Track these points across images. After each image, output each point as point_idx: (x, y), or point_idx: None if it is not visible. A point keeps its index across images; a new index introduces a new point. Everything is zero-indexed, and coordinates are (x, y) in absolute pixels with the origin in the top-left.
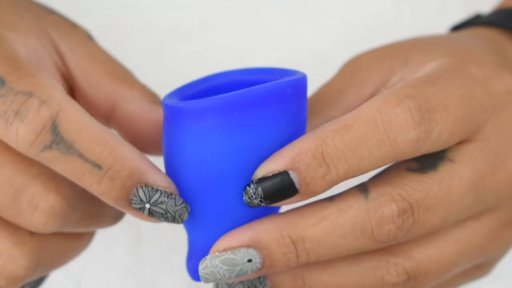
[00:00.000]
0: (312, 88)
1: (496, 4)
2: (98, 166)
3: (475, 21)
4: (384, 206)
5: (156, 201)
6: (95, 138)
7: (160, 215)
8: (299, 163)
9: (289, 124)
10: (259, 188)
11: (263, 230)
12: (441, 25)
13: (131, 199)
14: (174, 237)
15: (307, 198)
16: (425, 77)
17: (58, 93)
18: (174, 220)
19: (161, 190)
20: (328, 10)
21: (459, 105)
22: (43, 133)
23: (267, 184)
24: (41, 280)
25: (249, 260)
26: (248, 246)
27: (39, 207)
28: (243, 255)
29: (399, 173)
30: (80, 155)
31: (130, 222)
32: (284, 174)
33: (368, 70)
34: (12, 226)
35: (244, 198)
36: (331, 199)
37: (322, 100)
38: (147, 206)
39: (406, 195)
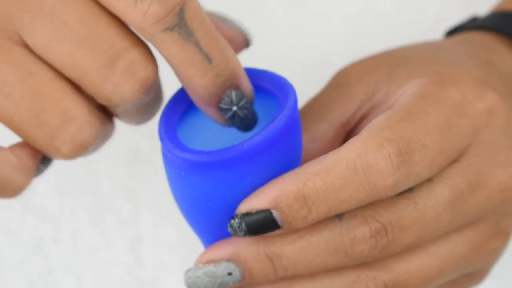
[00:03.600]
0: (311, 88)
1: (493, 5)
2: (209, 59)
3: (471, 24)
4: (357, 227)
5: (242, 105)
6: (211, 33)
7: (240, 119)
8: (281, 204)
9: (296, 149)
10: (243, 223)
11: (242, 246)
12: (441, 25)
13: (223, 99)
14: (174, 237)
15: (290, 232)
16: (404, 113)
17: None
18: (246, 127)
19: (246, 97)
20: (328, 10)
21: (438, 140)
22: (172, 15)
23: (250, 219)
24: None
25: (229, 274)
26: (228, 260)
27: (137, 75)
28: (223, 268)
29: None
30: (197, 44)
31: (130, 221)
32: (267, 211)
33: (353, 85)
34: (88, 95)
35: (229, 230)
36: (325, 214)
37: (308, 115)
38: (234, 108)
39: (379, 216)
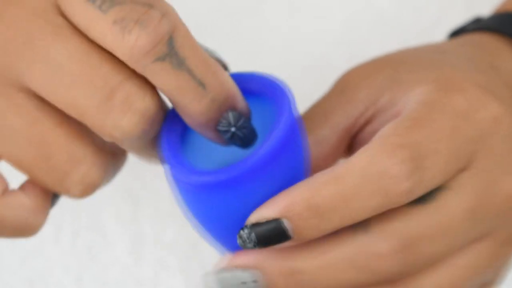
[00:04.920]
0: (311, 89)
1: (496, 5)
2: (203, 85)
3: (474, 26)
4: (383, 242)
5: (240, 125)
6: (203, 58)
7: (239, 139)
8: (291, 213)
9: (302, 151)
10: (252, 234)
11: (267, 257)
12: (442, 25)
13: (220, 122)
14: (174, 237)
15: (300, 244)
16: (412, 120)
17: (173, 9)
18: (246, 145)
19: (243, 116)
20: (328, 10)
21: (448, 145)
22: (161, 45)
23: (260, 229)
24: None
25: (254, 281)
26: (254, 269)
27: (134, 107)
28: (250, 275)
29: (398, 207)
30: (189, 72)
31: (131, 222)
32: (277, 221)
33: (356, 89)
34: (92, 134)
35: (238, 241)
36: (339, 223)
37: (311, 120)
38: (233, 129)
39: (406, 230)
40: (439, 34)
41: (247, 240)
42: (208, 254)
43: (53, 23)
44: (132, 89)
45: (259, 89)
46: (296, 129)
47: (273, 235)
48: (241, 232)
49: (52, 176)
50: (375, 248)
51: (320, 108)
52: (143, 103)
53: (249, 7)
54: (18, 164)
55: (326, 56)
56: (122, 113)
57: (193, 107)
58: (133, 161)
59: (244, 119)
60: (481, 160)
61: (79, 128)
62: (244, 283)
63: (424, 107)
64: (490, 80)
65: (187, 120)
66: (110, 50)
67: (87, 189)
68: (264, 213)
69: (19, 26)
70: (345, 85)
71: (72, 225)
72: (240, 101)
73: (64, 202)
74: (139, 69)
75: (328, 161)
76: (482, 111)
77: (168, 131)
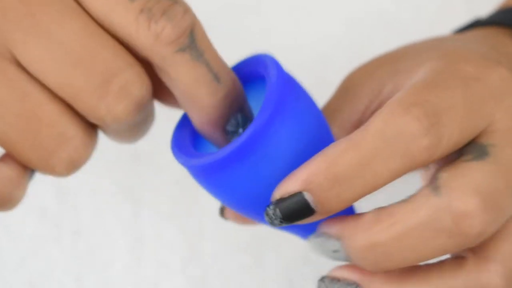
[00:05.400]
0: (314, 88)
1: (496, 5)
2: (218, 79)
3: (474, 25)
4: (462, 200)
5: (247, 126)
6: (217, 54)
7: None
8: (312, 184)
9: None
10: (277, 209)
11: (345, 228)
12: (442, 24)
13: (230, 121)
14: (175, 237)
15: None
16: (423, 82)
17: (191, 7)
18: None
19: (249, 119)
20: (329, 9)
21: (463, 102)
22: (184, 36)
23: (284, 205)
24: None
25: (335, 251)
26: (336, 239)
27: (132, 95)
28: (332, 244)
29: (461, 165)
30: (207, 65)
31: (131, 221)
32: (299, 194)
33: (360, 85)
34: (81, 116)
35: (265, 219)
36: (403, 201)
37: None
38: (240, 130)
39: (482, 185)
40: (439, 33)
41: (273, 217)
42: (209, 254)
43: (63, 1)
44: (131, 76)
45: (252, 74)
46: (291, 94)
47: (297, 209)
48: (267, 209)
49: (38, 153)
50: (455, 207)
51: (327, 109)
52: (140, 91)
53: (249, 8)
54: (3, 139)
55: (327, 57)
56: (119, 99)
57: (208, 100)
58: (134, 161)
59: (249, 123)
60: (502, 118)
61: (68, 106)
62: (335, 251)
63: (433, 72)
64: (494, 54)
65: (198, 117)
66: (127, 38)
67: (72, 168)
68: (286, 187)
69: None
70: (349, 84)
71: (72, 225)
72: (247, 104)
73: (64, 202)
74: (157, 59)
75: None
76: (491, 73)
77: (178, 131)
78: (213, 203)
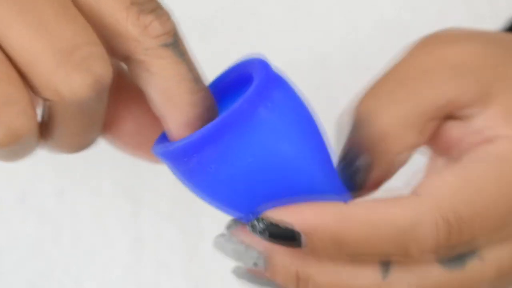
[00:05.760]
0: (313, 89)
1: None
2: (196, 80)
3: None
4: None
5: None
6: (194, 60)
7: None
8: (314, 236)
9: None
10: (266, 232)
11: (279, 250)
12: (442, 25)
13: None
14: (175, 237)
15: (327, 262)
16: (466, 182)
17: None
18: None
19: None
20: (329, 11)
21: (495, 222)
22: (169, 34)
23: (276, 231)
24: None
25: (255, 264)
26: (260, 253)
27: (93, 69)
28: (251, 256)
29: (425, 260)
30: (188, 65)
31: (131, 221)
32: (297, 233)
33: (441, 83)
34: (31, 89)
35: (248, 227)
36: (353, 260)
37: (389, 89)
38: None
39: (423, 286)
40: None
41: (259, 232)
42: (209, 254)
43: None
44: (96, 52)
45: (244, 77)
46: (275, 91)
47: (287, 241)
48: (255, 222)
49: None
50: None
51: (401, 80)
52: (102, 69)
53: (248, 9)
54: None
55: (326, 59)
56: (78, 70)
57: (188, 97)
58: (134, 161)
59: None
60: None
61: (21, 74)
62: (241, 259)
63: (488, 166)
64: None
65: (176, 116)
66: (114, 24)
67: (9, 137)
68: (286, 219)
69: None
70: (430, 65)
71: (72, 225)
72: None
73: (64, 202)
74: (140, 49)
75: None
76: None
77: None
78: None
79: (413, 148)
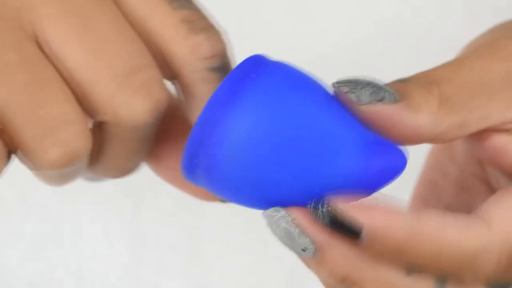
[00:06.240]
0: None
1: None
2: None
3: None
4: None
5: None
6: None
7: None
8: (379, 238)
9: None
10: (327, 218)
11: (335, 249)
12: (442, 25)
13: None
14: (176, 237)
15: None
16: None
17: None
18: None
19: None
20: (328, 11)
21: None
22: (218, 57)
23: (339, 219)
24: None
25: (303, 250)
26: (313, 242)
27: (152, 93)
28: (303, 242)
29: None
30: None
31: (131, 221)
32: (360, 228)
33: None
34: (87, 110)
35: (308, 207)
36: (410, 271)
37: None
38: None
39: None
40: (439, 34)
41: (320, 216)
42: (209, 254)
43: None
44: (155, 75)
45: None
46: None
47: (347, 232)
48: (319, 205)
49: (35, 128)
50: None
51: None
52: (160, 93)
53: (249, 9)
54: (0, 107)
55: (327, 57)
56: (138, 94)
57: None
58: None
59: None
60: None
61: (78, 95)
62: (293, 242)
63: None
64: None
65: None
66: (163, 43)
67: (65, 157)
68: (354, 213)
69: None
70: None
71: (73, 225)
72: None
73: (64, 202)
74: (186, 70)
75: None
76: None
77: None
78: (213, 203)
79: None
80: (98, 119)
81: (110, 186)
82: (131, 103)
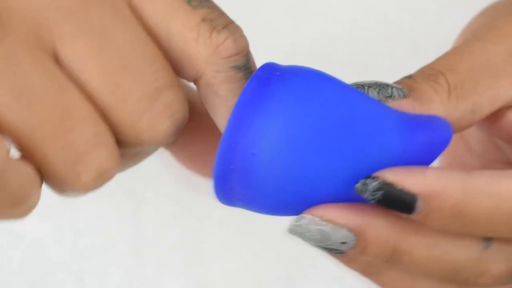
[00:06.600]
0: None
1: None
2: None
3: None
4: (498, 264)
5: None
6: None
7: None
8: (434, 202)
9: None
10: (380, 192)
11: (373, 225)
12: (442, 25)
13: None
14: (177, 237)
15: (428, 235)
16: None
17: None
18: None
19: None
20: (328, 10)
21: None
22: (242, 54)
23: (391, 192)
24: None
25: (343, 243)
26: (351, 231)
27: (176, 115)
28: (341, 236)
29: None
30: None
31: (132, 221)
32: (414, 197)
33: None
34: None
35: (357, 186)
36: (462, 231)
37: (471, 73)
38: None
39: None
40: (439, 34)
41: (370, 191)
42: (210, 254)
43: (118, 4)
44: (178, 95)
45: None
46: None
47: (399, 205)
48: (367, 180)
49: (66, 154)
50: (487, 266)
51: (483, 64)
52: (182, 113)
53: (249, 8)
54: (26, 133)
55: (327, 57)
56: (161, 118)
57: None
58: None
59: None
60: None
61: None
62: (328, 241)
63: None
64: None
65: None
66: (184, 45)
67: (98, 180)
68: (406, 182)
69: None
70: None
71: (73, 226)
72: None
73: (64, 202)
74: (210, 71)
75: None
76: None
77: None
78: (214, 203)
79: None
80: (118, 138)
81: (111, 186)
82: (155, 127)
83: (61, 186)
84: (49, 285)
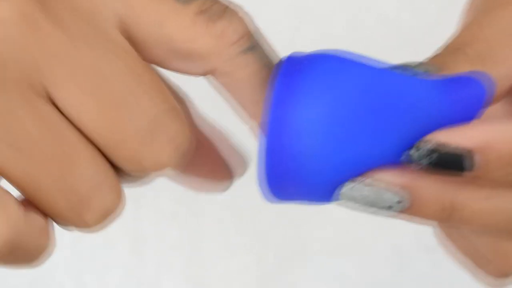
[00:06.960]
0: None
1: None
2: None
3: None
4: None
5: None
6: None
7: None
8: (492, 155)
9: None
10: (436, 153)
11: (427, 181)
12: (441, 26)
13: None
14: (177, 237)
15: (485, 186)
16: None
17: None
18: None
19: None
20: (329, 11)
21: None
22: (246, 37)
23: (446, 151)
24: None
25: (399, 202)
26: (405, 189)
27: (176, 141)
28: (394, 195)
29: None
30: (268, 66)
31: (132, 221)
32: (469, 152)
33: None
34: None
35: (411, 153)
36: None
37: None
38: None
39: None
40: (439, 34)
41: (423, 155)
42: (210, 254)
43: (107, 33)
44: (177, 118)
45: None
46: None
47: (456, 164)
48: (421, 144)
49: (68, 199)
50: None
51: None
52: (183, 138)
53: (249, 8)
54: (28, 182)
55: None
56: (162, 146)
57: None
58: None
59: None
60: None
61: (102, 153)
62: (382, 200)
63: None
64: None
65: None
66: (185, 44)
67: (103, 221)
68: (457, 139)
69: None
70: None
71: None
72: None
73: None
74: (219, 62)
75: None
76: None
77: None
78: (214, 203)
79: None
80: (119, 168)
81: None
82: (156, 156)
83: (65, 225)
84: (49, 285)
